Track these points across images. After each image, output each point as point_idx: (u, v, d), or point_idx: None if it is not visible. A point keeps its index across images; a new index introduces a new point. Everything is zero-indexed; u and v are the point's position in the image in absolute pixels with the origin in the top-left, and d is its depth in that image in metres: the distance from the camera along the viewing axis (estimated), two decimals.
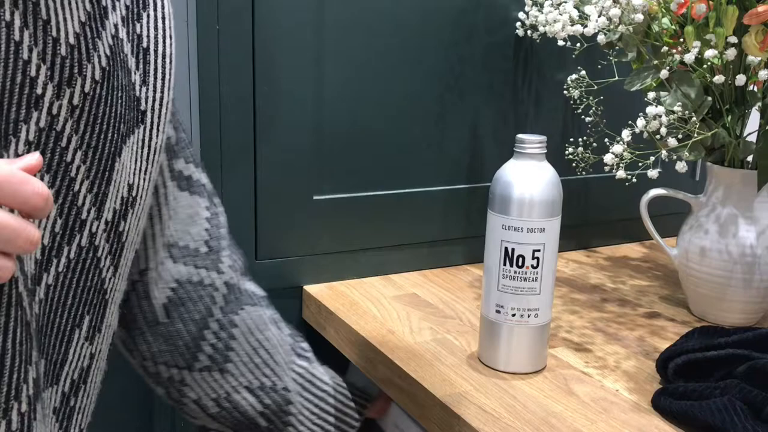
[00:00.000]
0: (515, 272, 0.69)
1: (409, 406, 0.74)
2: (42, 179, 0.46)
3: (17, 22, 0.41)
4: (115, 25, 0.50)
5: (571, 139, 1.00)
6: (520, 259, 0.68)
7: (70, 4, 0.46)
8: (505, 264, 0.69)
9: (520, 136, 0.69)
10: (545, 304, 0.71)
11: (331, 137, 0.94)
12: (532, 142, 0.69)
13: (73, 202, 0.48)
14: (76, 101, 0.46)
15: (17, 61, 0.42)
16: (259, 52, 0.88)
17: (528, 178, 0.68)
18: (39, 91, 0.43)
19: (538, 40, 1.01)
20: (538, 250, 0.68)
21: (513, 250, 0.68)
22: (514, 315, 0.70)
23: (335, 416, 0.76)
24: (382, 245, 1.01)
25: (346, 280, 0.99)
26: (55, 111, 0.45)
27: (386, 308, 0.90)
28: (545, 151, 0.70)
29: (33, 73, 0.43)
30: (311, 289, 0.96)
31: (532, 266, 0.68)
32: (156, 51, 0.54)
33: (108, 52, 0.49)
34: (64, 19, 0.45)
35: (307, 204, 0.95)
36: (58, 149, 0.46)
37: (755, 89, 0.85)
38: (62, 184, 0.47)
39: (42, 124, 0.44)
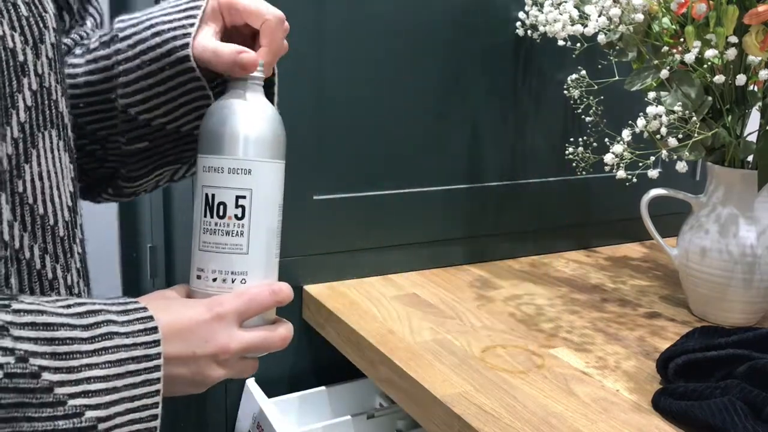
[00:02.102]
0: (216, 224, 0.55)
1: (409, 406, 0.74)
2: (50, 136, 0.47)
3: None
4: None
5: (571, 139, 1.00)
6: (221, 208, 0.55)
7: None
8: (206, 215, 0.55)
9: None
10: (257, 267, 0.56)
11: (331, 137, 0.94)
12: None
13: (72, 147, 0.51)
14: (50, 54, 0.47)
15: (0, 40, 0.43)
16: None
17: (234, 109, 0.55)
18: (21, 58, 0.44)
19: (538, 40, 1.01)
20: (243, 197, 0.56)
21: (213, 196, 0.55)
22: (215, 280, 0.55)
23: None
24: (382, 245, 1.01)
25: (346, 280, 0.99)
26: (39, 70, 0.46)
27: (386, 308, 0.90)
28: (261, 82, 0.58)
29: (11, 44, 0.44)
30: (311, 289, 0.96)
31: (236, 216, 0.55)
32: None
33: None
34: None
35: (307, 204, 0.94)
36: (53, 102, 0.48)
37: (755, 89, 0.85)
38: (65, 134, 0.49)
39: (34, 87, 0.46)
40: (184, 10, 0.55)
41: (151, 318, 0.47)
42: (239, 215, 0.56)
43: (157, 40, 0.55)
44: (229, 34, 0.58)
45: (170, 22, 0.55)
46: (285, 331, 0.55)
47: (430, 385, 0.70)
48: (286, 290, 0.55)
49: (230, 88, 0.56)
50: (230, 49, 0.54)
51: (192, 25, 0.54)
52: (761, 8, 0.74)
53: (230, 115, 0.55)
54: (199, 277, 0.55)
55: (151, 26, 0.55)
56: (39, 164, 0.46)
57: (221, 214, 0.55)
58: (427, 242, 1.05)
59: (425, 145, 1.01)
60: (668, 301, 0.97)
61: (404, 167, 1.00)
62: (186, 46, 0.54)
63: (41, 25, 0.46)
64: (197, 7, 0.55)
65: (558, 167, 1.12)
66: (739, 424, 0.60)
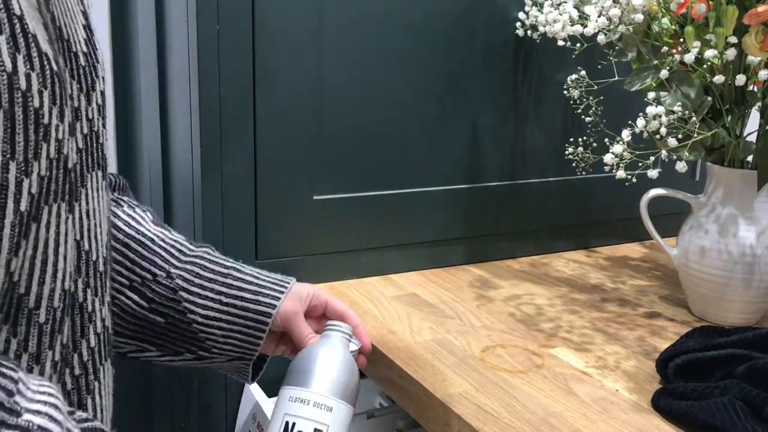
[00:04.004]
0: None
1: (409, 406, 0.74)
2: (96, 177, 0.49)
3: (52, 53, 0.42)
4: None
5: (571, 139, 1.00)
6: None
7: (74, 13, 0.48)
8: None
9: (331, 321, 0.66)
10: None
11: (331, 137, 0.94)
12: (342, 327, 0.65)
13: (105, 188, 0.53)
14: (99, 101, 0.50)
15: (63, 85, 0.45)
16: (259, 52, 0.88)
17: (329, 355, 0.63)
18: (75, 104, 0.46)
19: (538, 40, 1.01)
20: (320, 431, 0.59)
21: (294, 425, 0.59)
22: None
23: (241, 297, 0.66)
24: (382, 245, 1.01)
25: (346, 280, 0.99)
26: (90, 116, 0.48)
27: (386, 308, 0.90)
28: (350, 340, 0.66)
29: (69, 90, 0.46)
30: None
31: None
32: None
33: (98, 44, 0.51)
34: (75, 31, 0.47)
35: (307, 204, 0.95)
36: (99, 146, 0.50)
37: (755, 89, 0.85)
38: (105, 175, 0.51)
39: (85, 130, 0.48)
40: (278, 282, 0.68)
41: None
42: None
43: (247, 292, 0.66)
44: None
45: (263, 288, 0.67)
46: None
47: (430, 385, 0.71)
48: None
49: (325, 338, 0.64)
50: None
51: (283, 292, 0.67)
52: (761, 8, 0.74)
53: (323, 359, 0.62)
54: None
55: (239, 272, 0.67)
56: (87, 202, 0.48)
57: None
58: (427, 242, 1.05)
59: (425, 145, 1.01)
60: (668, 301, 0.97)
61: (404, 167, 1.00)
62: (272, 309, 0.66)
63: (94, 74, 0.49)
64: (287, 283, 0.68)
65: (558, 167, 1.12)
66: (738, 424, 0.60)
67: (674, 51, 0.84)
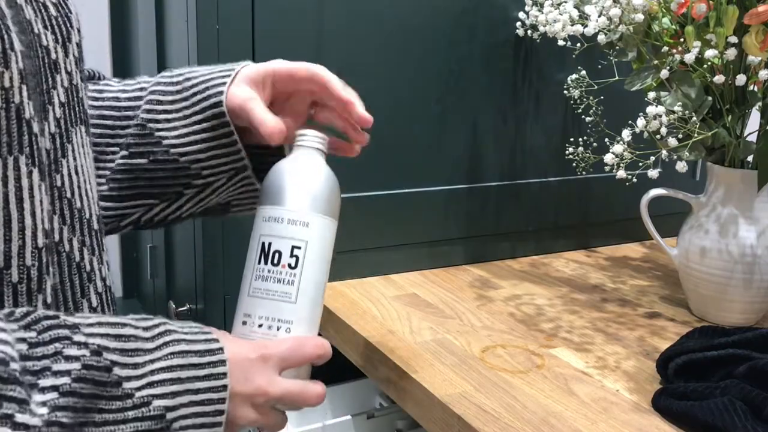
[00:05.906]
0: (269, 271, 0.57)
1: (409, 406, 0.74)
2: (81, 132, 0.48)
3: (21, 1, 0.41)
4: None
5: (571, 139, 1.00)
6: (276, 256, 0.57)
7: None
8: (260, 262, 0.57)
9: (300, 131, 0.62)
10: (302, 318, 0.57)
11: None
12: (312, 135, 0.61)
13: (90, 144, 0.52)
14: (76, 53, 0.49)
15: (36, 37, 0.44)
16: (259, 52, 0.88)
17: (299, 167, 0.59)
18: (53, 56, 0.45)
19: (538, 40, 1.01)
20: (299, 248, 0.57)
21: (270, 245, 0.57)
22: (261, 326, 0.56)
23: (196, 102, 0.61)
24: (382, 245, 1.01)
25: (346, 280, 0.99)
26: (68, 68, 0.47)
27: (386, 308, 0.90)
28: (324, 148, 0.62)
29: (44, 42, 0.45)
30: None
31: (290, 266, 0.57)
32: None
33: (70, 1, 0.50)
34: None
35: None
36: (80, 100, 0.49)
37: (755, 89, 0.85)
38: (89, 131, 0.50)
39: (66, 84, 0.47)
40: (223, 71, 0.62)
41: (204, 329, 0.48)
42: (293, 264, 0.57)
43: (197, 89, 0.61)
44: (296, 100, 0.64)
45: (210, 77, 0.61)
46: (321, 389, 0.55)
47: (430, 385, 0.70)
48: (328, 347, 0.55)
49: (296, 150, 0.60)
50: (274, 122, 0.58)
51: (227, 77, 0.60)
52: (761, 8, 0.74)
53: (295, 172, 0.58)
54: (244, 323, 0.56)
55: (189, 79, 0.61)
56: (74, 158, 0.47)
57: (275, 261, 0.57)
58: (427, 242, 1.05)
59: (425, 145, 1.01)
60: (668, 301, 0.97)
61: (404, 167, 1.00)
62: (220, 94, 0.59)
63: (68, 25, 0.48)
64: (232, 69, 0.61)
65: (558, 167, 1.12)
66: (739, 424, 0.60)
67: (674, 51, 0.84)
